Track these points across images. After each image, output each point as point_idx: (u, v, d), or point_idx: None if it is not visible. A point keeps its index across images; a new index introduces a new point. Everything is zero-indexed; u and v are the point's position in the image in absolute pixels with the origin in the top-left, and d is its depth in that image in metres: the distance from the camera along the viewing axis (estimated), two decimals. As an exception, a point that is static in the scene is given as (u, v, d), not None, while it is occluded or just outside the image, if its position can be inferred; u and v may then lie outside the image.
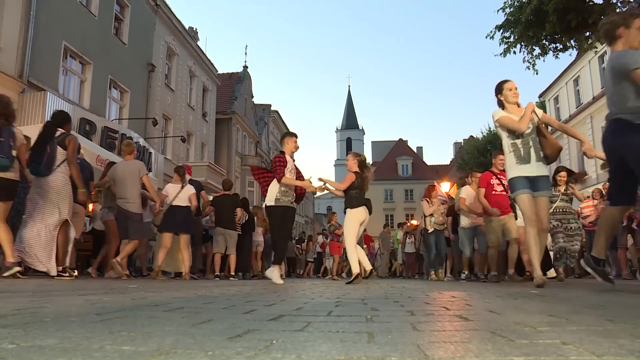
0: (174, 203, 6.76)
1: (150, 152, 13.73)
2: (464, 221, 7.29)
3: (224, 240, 8.03)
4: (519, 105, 4.39)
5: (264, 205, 5.37)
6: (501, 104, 4.40)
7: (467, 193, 7.28)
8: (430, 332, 1.10)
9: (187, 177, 7.32)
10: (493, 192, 6.38)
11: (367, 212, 5.64)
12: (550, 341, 0.94)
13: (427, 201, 8.64)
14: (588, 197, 8.92)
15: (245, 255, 9.04)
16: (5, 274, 4.34)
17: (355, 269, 5.40)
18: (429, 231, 8.50)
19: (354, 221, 5.58)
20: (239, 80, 27.80)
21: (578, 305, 1.96)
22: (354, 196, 5.66)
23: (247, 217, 9.13)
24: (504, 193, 6.25)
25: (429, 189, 9.03)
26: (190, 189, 6.93)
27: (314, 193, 5.86)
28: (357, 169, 5.78)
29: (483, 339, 0.98)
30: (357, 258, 5.48)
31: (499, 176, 6.45)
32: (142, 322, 1.23)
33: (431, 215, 8.47)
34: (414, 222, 17.45)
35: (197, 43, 22.06)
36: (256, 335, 1.01)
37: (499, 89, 4.42)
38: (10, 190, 4.51)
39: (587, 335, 1.01)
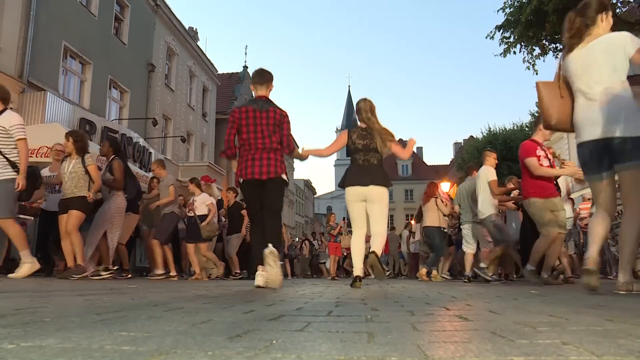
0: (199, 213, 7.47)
1: (150, 152, 13.72)
2: (490, 209, 6.24)
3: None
4: None
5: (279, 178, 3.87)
6: (594, 21, 3.05)
7: (492, 173, 6.29)
8: (430, 332, 1.10)
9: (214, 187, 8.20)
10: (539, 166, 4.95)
11: (365, 187, 4.13)
12: (550, 341, 0.94)
13: (441, 200, 8.23)
14: (589, 198, 8.84)
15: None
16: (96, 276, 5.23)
17: (356, 269, 4.15)
18: (446, 230, 8.11)
19: (348, 204, 4.26)
20: (239, 81, 27.80)
21: (578, 305, 1.96)
22: (350, 165, 4.31)
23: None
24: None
25: (434, 186, 8.52)
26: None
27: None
28: (362, 123, 4.34)
29: (483, 339, 0.98)
30: (361, 252, 4.22)
31: (543, 148, 5.10)
32: (142, 322, 1.23)
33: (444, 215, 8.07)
34: (413, 222, 17.38)
35: (197, 43, 22.06)
36: (256, 335, 1.01)
37: (604, 5, 3.06)
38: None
39: (587, 336, 1.02)
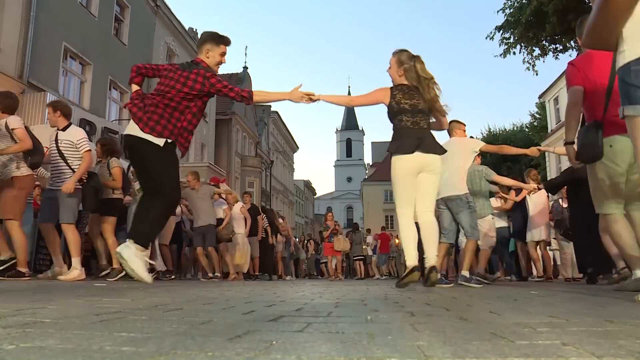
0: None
1: (150, 153, 13.74)
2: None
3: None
4: None
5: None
6: None
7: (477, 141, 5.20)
8: (430, 333, 1.10)
9: (224, 186, 8.80)
10: None
11: (425, 154, 3.43)
12: (550, 342, 0.94)
13: None
14: None
15: (269, 257, 10.47)
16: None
17: (411, 259, 3.38)
18: None
19: (399, 177, 3.49)
20: (239, 81, 27.82)
21: (578, 306, 1.96)
22: (397, 129, 3.51)
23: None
24: None
25: None
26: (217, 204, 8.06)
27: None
28: (402, 80, 3.58)
29: (483, 339, 0.98)
30: (414, 240, 3.44)
31: None
32: (142, 323, 1.23)
33: None
34: None
35: (197, 44, 22.08)
36: (256, 336, 1.01)
37: None
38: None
39: (587, 336, 1.01)
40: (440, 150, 3.53)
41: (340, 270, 12.21)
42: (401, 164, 3.45)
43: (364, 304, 2.08)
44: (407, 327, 1.20)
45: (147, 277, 3.16)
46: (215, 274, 7.52)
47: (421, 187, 3.49)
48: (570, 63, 3.27)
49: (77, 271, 4.76)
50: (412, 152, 3.41)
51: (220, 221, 7.84)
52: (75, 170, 4.80)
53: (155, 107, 3.34)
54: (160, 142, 3.27)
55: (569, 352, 0.83)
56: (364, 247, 15.28)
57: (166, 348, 0.85)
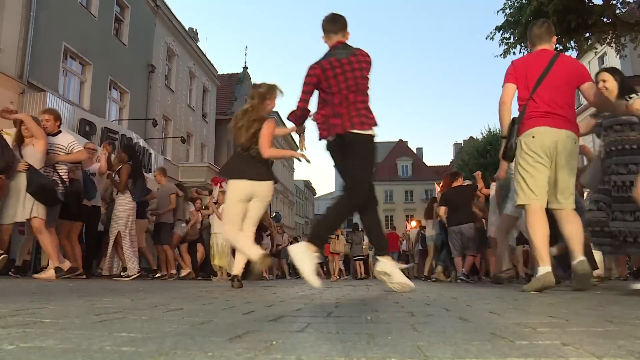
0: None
1: (150, 153, 13.75)
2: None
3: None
4: None
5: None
6: None
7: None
8: (430, 333, 1.10)
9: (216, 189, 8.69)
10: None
11: (254, 182, 3.61)
12: (550, 342, 0.95)
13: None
14: None
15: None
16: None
17: (237, 267, 3.75)
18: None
19: (230, 200, 3.68)
20: (239, 81, 27.80)
21: (578, 306, 1.96)
22: (234, 153, 3.82)
23: None
24: None
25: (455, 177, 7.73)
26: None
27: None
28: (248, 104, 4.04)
29: (483, 340, 0.98)
30: (246, 247, 3.61)
31: None
32: (142, 323, 1.23)
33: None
34: (415, 222, 17.30)
35: (197, 44, 22.07)
36: (256, 336, 1.01)
37: None
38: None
39: (587, 337, 1.02)
40: (271, 177, 3.73)
41: (337, 272, 12.19)
42: (236, 188, 3.62)
43: (364, 304, 2.08)
44: (407, 327, 1.20)
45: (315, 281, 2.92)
46: (171, 272, 7.46)
47: (249, 212, 3.68)
48: (512, 62, 3.42)
49: (51, 271, 4.90)
50: (249, 179, 3.60)
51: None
52: (60, 173, 5.03)
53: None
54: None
55: (569, 352, 0.83)
56: (363, 246, 15.29)
57: (166, 348, 0.85)
